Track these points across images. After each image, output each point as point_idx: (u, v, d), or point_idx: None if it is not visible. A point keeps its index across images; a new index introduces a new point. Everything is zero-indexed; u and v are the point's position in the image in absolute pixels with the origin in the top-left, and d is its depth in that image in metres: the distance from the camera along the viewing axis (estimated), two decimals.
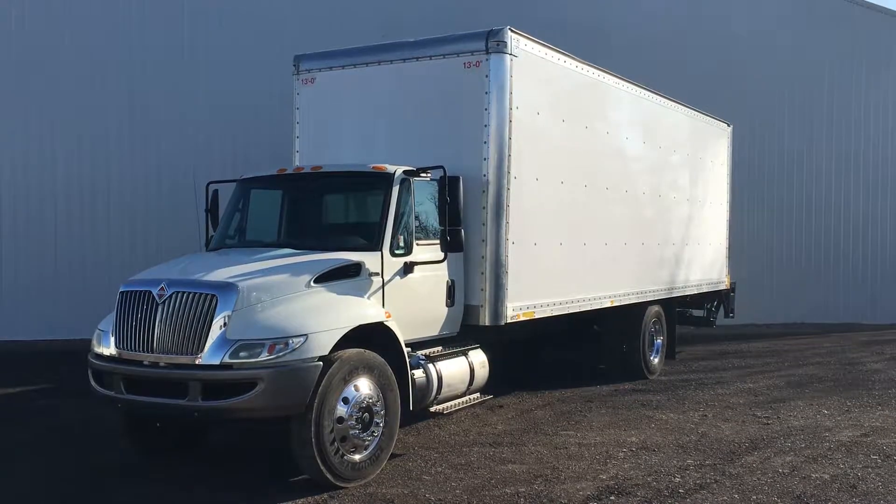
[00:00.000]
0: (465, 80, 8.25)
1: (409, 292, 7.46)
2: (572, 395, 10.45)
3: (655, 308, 11.99)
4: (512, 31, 8.27)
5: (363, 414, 6.58)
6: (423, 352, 7.62)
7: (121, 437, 7.47)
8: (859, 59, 18.86)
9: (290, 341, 6.15)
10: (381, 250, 7.23)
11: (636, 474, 6.92)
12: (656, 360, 12.10)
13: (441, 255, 7.66)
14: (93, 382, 6.79)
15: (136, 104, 15.16)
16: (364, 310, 6.88)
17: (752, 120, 17.56)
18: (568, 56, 9.45)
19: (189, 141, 15.19)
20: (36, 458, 7.55)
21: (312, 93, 9.21)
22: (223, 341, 6.13)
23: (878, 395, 10.53)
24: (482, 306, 8.21)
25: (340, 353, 6.43)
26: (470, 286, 8.22)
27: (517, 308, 8.53)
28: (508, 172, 8.27)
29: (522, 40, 8.49)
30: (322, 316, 6.48)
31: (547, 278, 9.13)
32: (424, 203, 7.72)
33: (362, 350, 6.64)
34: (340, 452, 6.41)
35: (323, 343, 6.31)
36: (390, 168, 7.59)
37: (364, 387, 6.59)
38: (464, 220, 7.69)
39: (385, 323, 6.95)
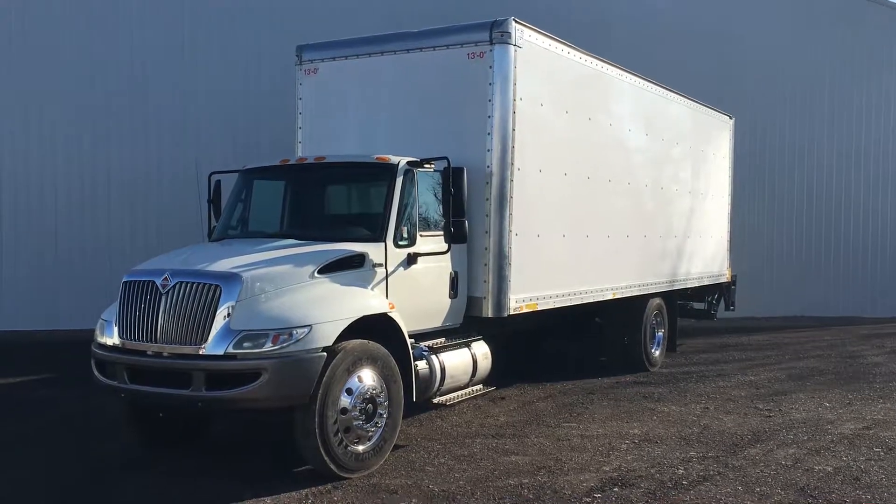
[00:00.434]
0: (469, 71, 8.22)
1: (412, 283, 7.44)
2: (574, 387, 10.45)
3: (657, 300, 11.99)
4: (516, 21, 8.24)
5: (367, 405, 6.57)
6: (427, 343, 7.61)
7: (123, 428, 7.46)
8: (861, 55, 18.81)
9: (294, 332, 6.14)
10: (384, 241, 7.21)
11: (639, 466, 6.92)
12: (657, 353, 12.11)
13: (445, 247, 7.65)
14: (95, 372, 6.77)
15: (137, 95, 15.12)
16: (368, 301, 6.86)
17: (753, 114, 17.52)
18: (571, 47, 9.42)
19: (190, 131, 15.15)
20: (37, 448, 7.54)
21: (315, 83, 9.18)
22: (227, 331, 6.12)
23: (879, 388, 10.53)
24: (485, 298, 8.20)
25: (344, 343, 6.42)
26: (473, 278, 8.20)
27: (520, 300, 8.52)
28: (512, 164, 8.24)
29: (526, 31, 8.46)
30: (326, 306, 6.47)
31: (550, 270, 9.12)
32: (428, 194, 7.70)
33: (366, 341, 6.63)
34: (344, 443, 6.40)
35: (327, 334, 6.29)
36: (394, 159, 7.56)
37: (368, 378, 6.58)
38: (467, 211, 7.67)
39: (389, 314, 6.93)
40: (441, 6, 14.81)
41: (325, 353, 6.24)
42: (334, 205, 8.65)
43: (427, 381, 7.39)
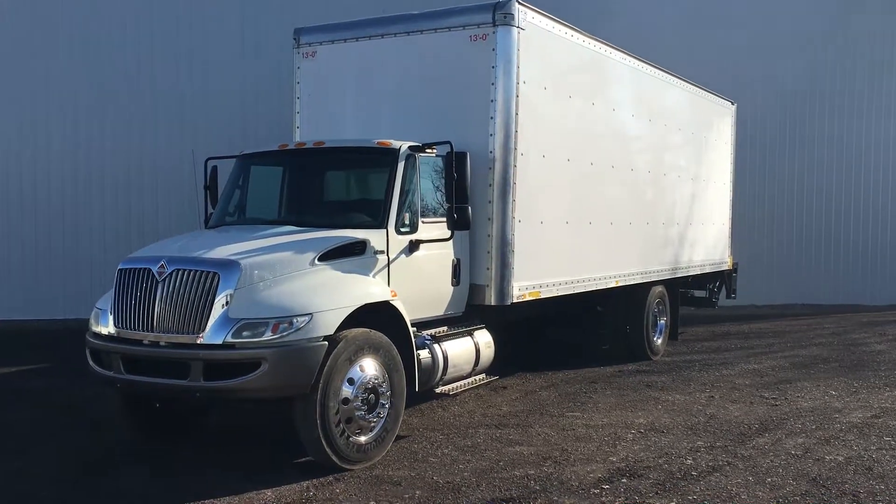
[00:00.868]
0: (472, 54, 8.04)
1: (414, 271, 7.29)
2: (576, 375, 10.32)
3: (659, 288, 11.86)
4: (519, 3, 8.05)
5: (369, 395, 6.42)
6: (429, 332, 7.47)
7: (119, 419, 7.27)
8: (864, 46, 18.62)
9: (295, 320, 5.98)
10: (386, 228, 7.05)
11: (647, 456, 6.79)
12: (659, 341, 11.98)
13: (447, 233, 7.46)
14: (91, 362, 6.61)
15: (132, 81, 14.89)
16: (369, 288, 6.71)
17: (754, 102, 17.33)
18: (575, 30, 9.24)
19: (187, 116, 14.94)
20: (31, 439, 7.39)
21: (313, 67, 8.99)
22: (225, 320, 5.96)
23: (884, 376, 10.42)
24: (488, 286, 8.05)
25: (346, 332, 6.27)
26: (476, 265, 8.05)
27: (523, 288, 8.36)
28: (515, 149, 8.08)
29: (530, 13, 8.27)
30: (327, 294, 6.31)
31: (553, 257, 8.97)
32: (430, 179, 7.54)
33: (368, 330, 6.47)
34: (346, 434, 6.26)
35: (328, 322, 6.14)
36: (395, 143, 7.39)
37: (370, 367, 6.43)
38: (470, 197, 7.50)
39: (391, 302, 6.78)
40: None
41: (326, 342, 6.09)
42: (334, 191, 8.47)
43: (429, 370, 7.26)
